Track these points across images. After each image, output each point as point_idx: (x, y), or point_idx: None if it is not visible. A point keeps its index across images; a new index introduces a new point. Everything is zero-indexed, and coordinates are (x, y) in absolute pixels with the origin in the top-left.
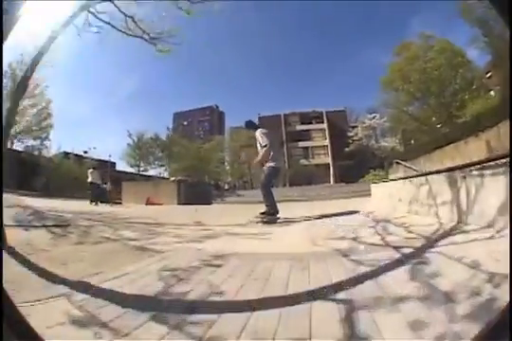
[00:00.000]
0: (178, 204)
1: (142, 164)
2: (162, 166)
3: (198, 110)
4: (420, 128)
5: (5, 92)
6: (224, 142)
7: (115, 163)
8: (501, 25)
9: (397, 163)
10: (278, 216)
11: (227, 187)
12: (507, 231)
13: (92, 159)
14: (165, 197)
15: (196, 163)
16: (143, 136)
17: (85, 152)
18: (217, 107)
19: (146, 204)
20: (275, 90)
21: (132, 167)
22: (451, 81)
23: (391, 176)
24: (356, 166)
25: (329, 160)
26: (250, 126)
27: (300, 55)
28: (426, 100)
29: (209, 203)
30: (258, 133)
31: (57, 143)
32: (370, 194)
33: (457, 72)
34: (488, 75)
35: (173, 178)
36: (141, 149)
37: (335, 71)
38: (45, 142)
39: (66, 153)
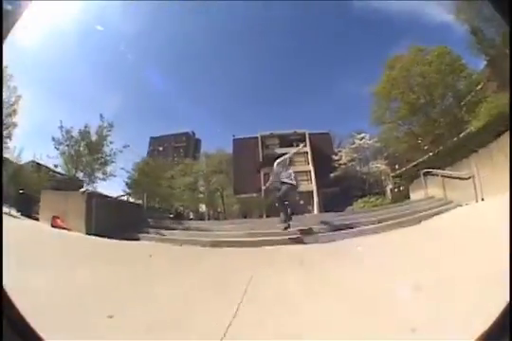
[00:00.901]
0: (88, 233)
1: (75, 172)
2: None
3: (174, 136)
4: (417, 146)
5: None
6: (193, 166)
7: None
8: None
9: (426, 174)
10: (288, 223)
11: (192, 215)
12: None
13: (55, 172)
14: (75, 218)
15: (140, 178)
16: (72, 130)
17: (56, 166)
18: (194, 134)
19: (52, 225)
20: (255, 114)
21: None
22: (455, 85)
23: (413, 196)
24: (343, 193)
25: (312, 187)
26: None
27: (281, 78)
28: (428, 110)
29: (135, 238)
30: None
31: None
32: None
33: (459, 76)
34: (480, 86)
35: (82, 189)
36: (69, 146)
37: (318, 94)
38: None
39: (33, 162)
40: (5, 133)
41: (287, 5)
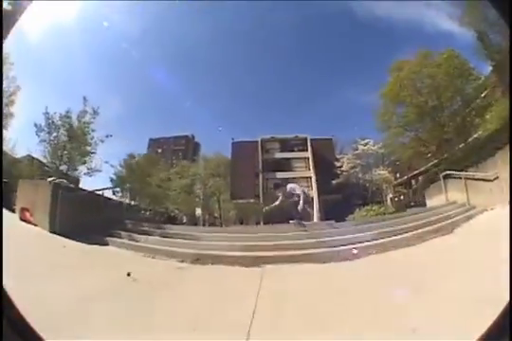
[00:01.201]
0: (51, 231)
1: (58, 162)
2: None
3: (173, 138)
4: (423, 152)
5: None
6: (190, 169)
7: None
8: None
9: (446, 177)
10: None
11: (185, 220)
12: None
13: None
14: (42, 212)
15: (126, 174)
16: (58, 116)
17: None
18: (193, 137)
19: (21, 219)
20: (257, 119)
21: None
22: (464, 89)
23: (431, 202)
24: (345, 200)
25: (313, 194)
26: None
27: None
28: (436, 114)
29: (102, 242)
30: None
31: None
32: None
33: (467, 79)
34: (487, 91)
35: (50, 178)
36: (50, 133)
37: (320, 100)
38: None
39: (29, 156)
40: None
41: (291, 6)
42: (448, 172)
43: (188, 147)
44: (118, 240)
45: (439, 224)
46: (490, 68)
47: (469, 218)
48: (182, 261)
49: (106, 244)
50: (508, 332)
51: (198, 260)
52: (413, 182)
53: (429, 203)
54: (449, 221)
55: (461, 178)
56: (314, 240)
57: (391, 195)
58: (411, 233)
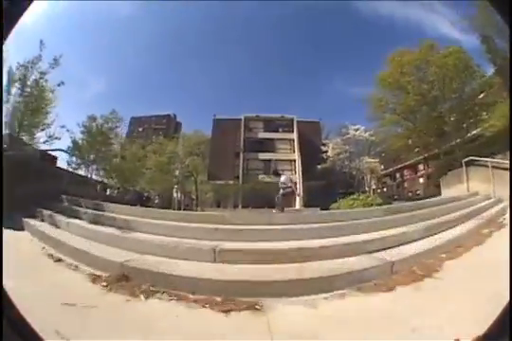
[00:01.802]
0: None
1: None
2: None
3: (155, 117)
4: (414, 145)
5: None
6: (167, 147)
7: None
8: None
9: (469, 164)
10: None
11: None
12: None
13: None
14: None
15: (86, 142)
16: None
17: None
18: (175, 117)
19: None
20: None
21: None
22: (470, 83)
23: (448, 192)
24: (330, 187)
25: (296, 178)
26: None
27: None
28: (436, 105)
29: (17, 226)
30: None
31: None
32: None
33: (472, 75)
34: (482, 96)
35: None
36: (8, 91)
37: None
38: None
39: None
40: None
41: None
42: (472, 158)
43: (169, 126)
44: (37, 223)
45: (483, 216)
46: (493, 71)
47: (505, 210)
48: (94, 280)
49: (21, 229)
50: (508, 332)
51: (122, 281)
52: (398, 175)
53: (446, 193)
54: (488, 213)
55: (486, 166)
56: (335, 239)
57: (374, 186)
58: (464, 227)
